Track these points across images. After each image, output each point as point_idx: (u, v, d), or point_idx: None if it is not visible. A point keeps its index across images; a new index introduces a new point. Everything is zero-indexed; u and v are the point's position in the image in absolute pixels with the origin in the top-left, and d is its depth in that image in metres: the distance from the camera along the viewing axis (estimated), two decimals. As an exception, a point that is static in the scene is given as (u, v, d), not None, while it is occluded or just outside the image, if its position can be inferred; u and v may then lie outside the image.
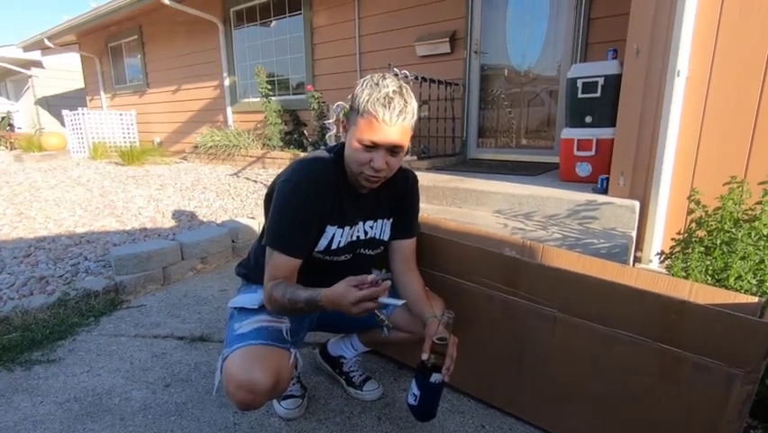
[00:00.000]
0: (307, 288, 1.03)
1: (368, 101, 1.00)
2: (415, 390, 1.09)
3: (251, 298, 1.19)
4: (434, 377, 1.04)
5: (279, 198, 1.09)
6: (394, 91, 1.01)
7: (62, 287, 2.22)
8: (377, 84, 1.01)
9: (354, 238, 1.20)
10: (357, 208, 1.18)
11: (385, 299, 0.94)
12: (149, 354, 1.70)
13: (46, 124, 11.56)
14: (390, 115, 1.00)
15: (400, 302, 0.99)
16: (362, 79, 1.05)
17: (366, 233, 1.22)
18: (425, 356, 1.04)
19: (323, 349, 1.57)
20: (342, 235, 1.16)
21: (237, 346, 1.04)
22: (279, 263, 1.08)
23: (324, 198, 1.10)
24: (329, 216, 1.13)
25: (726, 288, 1.43)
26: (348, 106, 1.24)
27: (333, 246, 1.16)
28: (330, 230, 1.14)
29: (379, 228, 1.24)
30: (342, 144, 1.14)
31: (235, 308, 1.21)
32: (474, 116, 4.22)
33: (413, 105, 1.05)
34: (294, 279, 1.10)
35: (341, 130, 4.00)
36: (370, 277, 0.93)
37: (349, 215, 1.16)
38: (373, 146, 1.03)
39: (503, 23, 3.94)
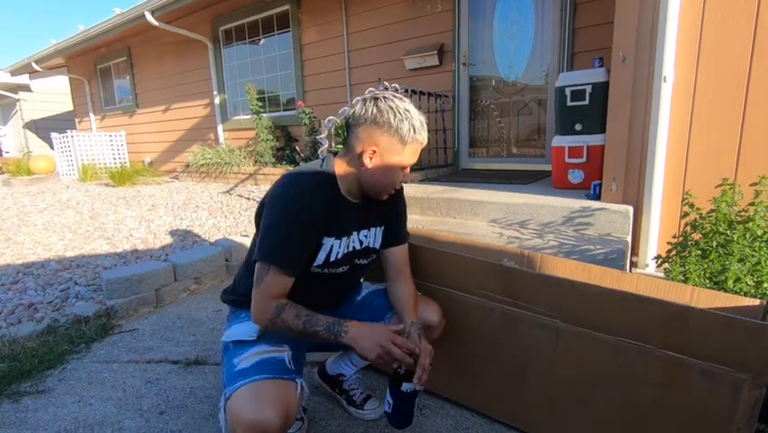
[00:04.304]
0: (325, 315, 1.05)
1: (412, 130, 1.09)
2: (389, 398, 1.11)
3: (247, 328, 1.12)
4: (405, 386, 1.06)
5: (276, 211, 1.06)
6: (415, 111, 1.10)
7: (51, 313, 2.16)
8: (407, 110, 1.09)
9: (350, 249, 1.19)
10: (352, 219, 1.18)
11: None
12: (142, 380, 1.65)
13: (34, 148, 11.44)
14: (425, 135, 1.12)
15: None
16: (382, 104, 1.08)
17: (361, 242, 1.21)
18: (395, 366, 1.06)
19: (321, 369, 1.53)
20: (339, 246, 1.15)
21: (241, 384, 0.97)
22: (275, 281, 1.04)
23: (324, 210, 1.09)
24: (327, 229, 1.11)
25: (726, 290, 1.42)
26: (339, 121, 1.25)
27: (332, 258, 1.15)
28: (328, 242, 1.13)
29: (373, 237, 1.24)
30: (326, 158, 1.17)
31: (230, 341, 1.14)
32: (465, 127, 4.25)
33: None
34: (285, 298, 1.07)
35: (333, 143, 4.00)
36: (411, 345, 1.04)
37: (345, 225, 1.16)
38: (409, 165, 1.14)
39: (490, 35, 3.99)
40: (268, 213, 1.08)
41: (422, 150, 1.17)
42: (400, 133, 1.08)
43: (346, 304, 1.33)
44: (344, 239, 1.16)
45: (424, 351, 1.07)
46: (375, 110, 1.07)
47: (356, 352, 1.03)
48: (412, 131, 1.08)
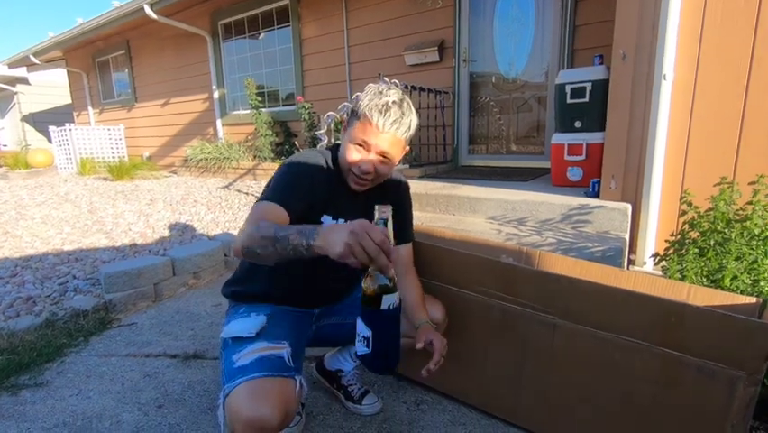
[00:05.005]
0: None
1: (367, 105, 1.06)
2: (364, 332, 0.82)
3: (245, 324, 1.11)
4: (386, 301, 0.77)
5: (279, 178, 1.11)
6: (393, 102, 1.06)
7: (50, 307, 2.16)
8: (380, 93, 1.08)
9: None
10: (351, 205, 1.18)
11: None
12: (140, 373, 1.66)
13: (32, 141, 11.38)
14: (384, 122, 1.05)
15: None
16: (369, 86, 1.11)
17: None
18: (370, 268, 0.77)
19: (319, 364, 1.54)
20: None
21: (240, 381, 0.96)
22: (264, 208, 1.01)
23: (321, 180, 1.12)
24: (325, 205, 1.14)
25: (722, 288, 1.43)
26: (338, 116, 1.26)
27: None
28: (326, 219, 1.15)
29: None
30: (337, 145, 1.19)
31: (229, 337, 1.12)
32: (464, 124, 4.24)
33: (410, 118, 1.10)
34: None
35: (333, 138, 4.01)
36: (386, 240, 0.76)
37: (343, 207, 1.17)
38: (363, 147, 1.08)
39: (490, 32, 3.98)
40: (271, 179, 1.13)
41: (408, 149, 1.16)
42: (357, 106, 1.09)
43: (348, 300, 1.33)
44: (341, 221, 1.16)
45: (439, 345, 1.10)
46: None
47: (326, 250, 0.79)
48: (368, 107, 1.06)
